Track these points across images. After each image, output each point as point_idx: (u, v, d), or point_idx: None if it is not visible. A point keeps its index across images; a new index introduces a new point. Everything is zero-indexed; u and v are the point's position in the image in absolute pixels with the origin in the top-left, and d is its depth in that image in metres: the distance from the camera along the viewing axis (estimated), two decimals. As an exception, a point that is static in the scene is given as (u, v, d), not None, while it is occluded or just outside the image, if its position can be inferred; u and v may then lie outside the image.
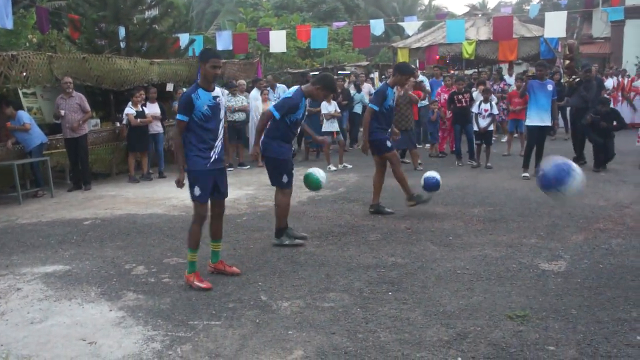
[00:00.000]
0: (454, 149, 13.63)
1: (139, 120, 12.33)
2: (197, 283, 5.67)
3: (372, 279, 5.77)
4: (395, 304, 5.10)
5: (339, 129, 13.49)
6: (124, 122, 12.63)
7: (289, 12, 34.95)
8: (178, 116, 5.60)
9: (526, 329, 4.53)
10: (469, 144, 12.86)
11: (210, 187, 5.75)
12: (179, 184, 5.77)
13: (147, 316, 5.03)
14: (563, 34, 20.16)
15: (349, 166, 12.86)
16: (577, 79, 12.49)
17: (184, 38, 19.23)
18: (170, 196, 10.43)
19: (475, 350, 4.21)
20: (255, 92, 14.49)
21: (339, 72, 24.91)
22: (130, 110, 12.35)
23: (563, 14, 19.77)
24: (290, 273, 6.02)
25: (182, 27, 19.17)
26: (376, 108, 8.11)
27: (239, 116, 13.77)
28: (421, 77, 15.56)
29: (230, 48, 20.96)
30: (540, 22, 21.26)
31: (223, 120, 5.90)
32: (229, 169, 13.45)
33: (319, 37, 20.91)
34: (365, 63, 28.54)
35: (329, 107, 12.90)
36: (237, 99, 13.88)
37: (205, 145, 5.65)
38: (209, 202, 5.84)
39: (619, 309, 4.88)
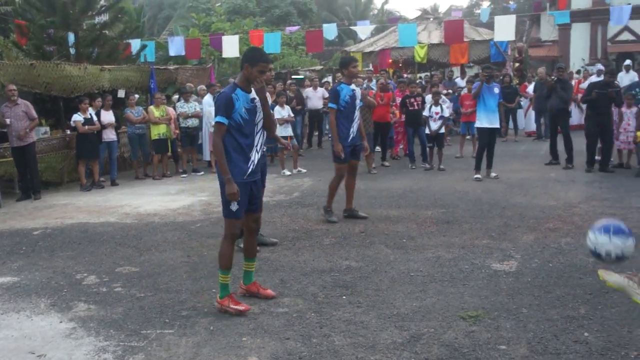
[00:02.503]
0: (407, 152, 13.74)
1: (87, 127, 12.13)
2: (234, 307, 5.09)
3: (327, 283, 5.77)
4: (349, 308, 5.11)
5: (292, 134, 13.49)
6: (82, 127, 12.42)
7: (242, 17, 34.72)
8: (217, 118, 5.02)
9: (478, 329, 4.59)
10: (421, 147, 12.98)
11: (246, 202, 5.21)
12: (235, 197, 4.99)
13: (98, 326, 4.95)
14: (512, 37, 20.51)
15: (304, 170, 12.86)
16: (555, 79, 12.63)
17: (135, 44, 18.98)
18: (123, 204, 10.29)
19: (429, 351, 4.24)
20: (208, 98, 14.37)
21: (293, 76, 24.91)
22: (78, 117, 12.14)
23: (512, 18, 20.10)
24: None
25: (133, 33, 18.90)
26: (334, 106, 8.12)
27: (192, 122, 13.67)
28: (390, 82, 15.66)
29: (183, 53, 20.78)
30: (490, 25, 21.59)
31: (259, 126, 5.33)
32: (183, 175, 13.35)
33: (272, 42, 20.85)
34: (319, 67, 28.58)
35: (282, 111, 12.89)
36: (190, 105, 13.77)
37: (243, 153, 5.13)
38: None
39: (568, 306, 4.98)
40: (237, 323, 4.88)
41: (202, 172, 13.68)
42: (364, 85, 13.58)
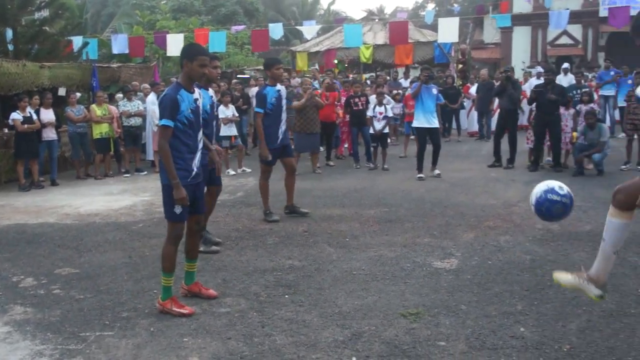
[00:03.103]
0: (351, 151, 13.83)
1: (26, 126, 11.84)
2: (177, 310, 5.03)
3: (269, 282, 5.77)
4: (291, 307, 5.12)
5: (237, 133, 13.42)
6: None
7: (187, 15, 34.40)
8: (163, 121, 4.92)
9: (419, 326, 4.65)
10: (366, 147, 13.07)
11: (190, 204, 5.12)
12: (184, 201, 4.96)
13: (35, 330, 4.84)
14: (456, 39, 20.85)
15: (248, 170, 12.82)
16: (506, 76, 12.83)
17: (77, 41, 18.65)
18: (63, 204, 10.09)
19: (370, 349, 4.28)
20: (152, 97, 14.19)
21: (238, 76, 24.80)
22: (16, 116, 11.84)
23: (455, 20, 20.45)
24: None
25: (75, 29, 18.55)
26: (261, 110, 8.12)
27: (135, 121, 13.49)
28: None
29: (127, 51, 20.49)
30: (435, 27, 21.91)
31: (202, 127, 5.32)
32: (125, 175, 13.16)
33: (217, 41, 20.71)
34: (264, 67, 28.54)
35: (226, 111, 12.81)
36: (133, 104, 13.59)
37: (188, 156, 5.08)
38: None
39: (506, 302, 5.09)
40: (178, 324, 4.84)
41: (146, 172, 13.50)
42: (313, 85, 13.60)
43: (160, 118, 5.01)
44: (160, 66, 21.78)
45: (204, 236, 6.87)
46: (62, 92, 14.41)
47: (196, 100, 5.14)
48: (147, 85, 14.77)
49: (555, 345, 4.26)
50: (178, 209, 5.01)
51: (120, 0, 43.59)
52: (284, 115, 8.36)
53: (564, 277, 4.07)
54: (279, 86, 8.32)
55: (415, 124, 11.53)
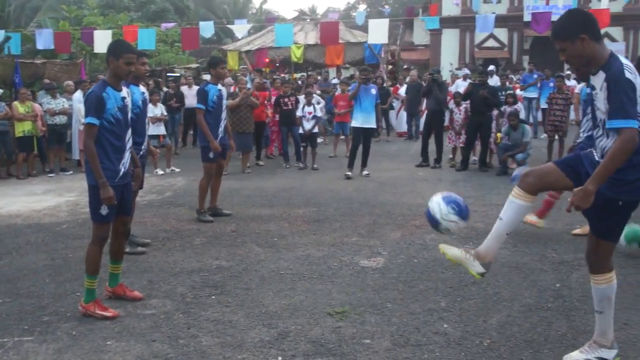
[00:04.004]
0: (281, 151, 13.84)
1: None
2: (100, 312, 4.92)
3: (196, 283, 5.72)
4: (218, 308, 5.09)
5: (165, 132, 13.24)
6: None
7: (116, 11, 33.73)
8: (88, 119, 4.83)
9: (344, 324, 4.69)
10: (295, 147, 13.10)
11: (117, 205, 5.00)
12: (111, 200, 4.85)
13: (-51, 335, 4.66)
14: (385, 40, 21.10)
15: (177, 170, 12.66)
16: (432, 78, 13.03)
17: (-2, 35, 18.04)
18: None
19: (296, 348, 4.30)
20: (78, 95, 13.86)
21: (168, 74, 24.47)
22: None
23: (385, 22, 20.66)
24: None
25: (-4, 23, 17.98)
26: (202, 107, 8.09)
27: (60, 119, 13.14)
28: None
29: (52, 47, 19.87)
30: (365, 28, 22.12)
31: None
32: (50, 175, 12.81)
33: (146, 38, 20.36)
34: (195, 65, 28.21)
35: (155, 110, 12.62)
36: (58, 102, 13.24)
37: (115, 156, 4.98)
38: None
39: (430, 299, 5.19)
40: (101, 327, 4.74)
41: (71, 172, 13.16)
42: (248, 86, 13.52)
43: (86, 116, 4.92)
44: (87, 63, 21.28)
45: (129, 238, 6.76)
46: (-19, 88, 13.92)
47: (124, 98, 5.07)
48: (70, 83, 14.41)
49: (477, 340, 4.38)
50: (104, 210, 4.92)
51: (45, -6, 42.40)
52: (224, 115, 8.40)
53: (450, 250, 4.13)
54: (220, 85, 8.32)
55: (353, 123, 11.66)
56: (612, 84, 3.53)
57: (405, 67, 23.77)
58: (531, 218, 7.03)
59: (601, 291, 3.86)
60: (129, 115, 5.19)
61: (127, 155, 5.13)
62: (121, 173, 5.05)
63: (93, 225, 5.08)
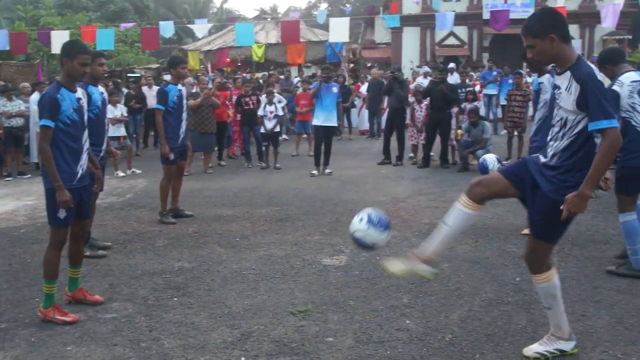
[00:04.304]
0: (243, 151, 13.80)
1: None
2: (60, 318, 4.83)
3: (158, 285, 5.67)
4: (180, 310, 5.05)
5: (125, 134, 13.09)
6: None
7: (74, 11, 33.25)
8: (42, 122, 4.74)
9: (307, 323, 4.69)
10: (257, 146, 13.06)
11: (75, 208, 4.92)
12: (68, 204, 4.76)
13: None
14: (347, 39, 21.18)
15: (138, 171, 12.53)
16: (394, 76, 13.08)
17: (-51, 35, 17.68)
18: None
19: (259, 348, 4.29)
20: (36, 96, 13.62)
21: (129, 74, 24.23)
22: None
23: (346, 20, 20.75)
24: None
25: (-52, 23, 17.60)
26: (162, 107, 8.02)
27: (17, 122, 12.89)
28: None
29: (7, 48, 19.55)
30: (327, 27, 22.17)
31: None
32: (7, 178, 12.56)
33: (105, 38, 20.14)
34: (155, 65, 27.96)
35: (114, 111, 12.47)
36: (14, 104, 12.98)
37: (72, 158, 4.90)
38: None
39: (392, 296, 5.22)
40: (61, 332, 4.66)
41: (29, 175, 12.89)
42: (209, 86, 13.42)
43: (40, 118, 4.82)
44: (44, 64, 20.95)
45: (89, 241, 6.68)
46: None
47: (79, 99, 4.99)
48: (27, 85, 14.16)
49: (439, 336, 4.42)
50: (62, 214, 4.84)
51: (0, -6, 41.61)
52: (184, 115, 8.34)
53: (394, 266, 4.11)
54: (180, 86, 8.26)
55: (314, 122, 11.71)
56: (589, 85, 3.58)
57: (369, 65, 23.86)
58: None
59: (544, 289, 3.96)
60: (86, 116, 5.12)
61: (84, 157, 5.05)
62: (79, 175, 4.97)
63: (50, 229, 4.99)
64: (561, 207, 3.62)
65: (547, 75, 6.96)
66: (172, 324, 4.77)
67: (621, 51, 6.44)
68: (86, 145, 5.10)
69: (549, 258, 3.97)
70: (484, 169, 7.97)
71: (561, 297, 3.99)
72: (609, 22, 18.15)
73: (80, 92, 5.07)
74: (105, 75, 7.43)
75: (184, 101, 8.32)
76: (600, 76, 3.69)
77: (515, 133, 12.49)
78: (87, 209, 5.25)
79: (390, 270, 4.13)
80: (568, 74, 3.69)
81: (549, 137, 3.90)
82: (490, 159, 8.24)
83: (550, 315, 4.02)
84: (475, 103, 13.18)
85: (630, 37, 32.69)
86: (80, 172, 4.98)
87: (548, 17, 3.74)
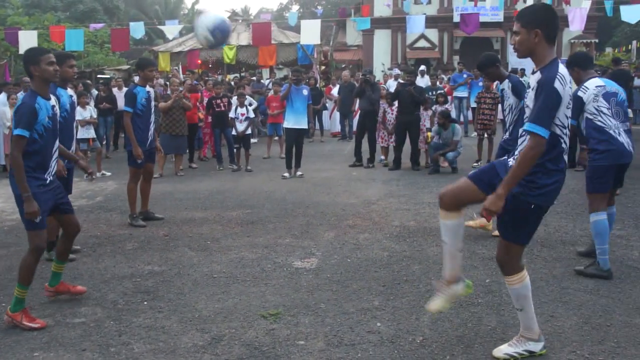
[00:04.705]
0: (214, 153, 13.75)
1: None
2: (27, 323, 4.77)
3: (127, 289, 5.61)
4: (150, 314, 5.01)
5: (95, 136, 12.96)
6: None
7: (42, 11, 32.91)
8: (18, 131, 4.69)
9: (278, 326, 4.68)
10: (229, 148, 13.02)
11: (49, 209, 4.95)
12: (35, 215, 4.73)
13: None
14: (318, 41, 21.24)
15: (108, 174, 12.40)
16: (365, 79, 13.12)
17: None
18: None
19: (229, 352, 4.26)
20: (2, 97, 13.45)
21: (99, 75, 24.03)
22: None
23: (317, 22, 20.81)
24: (40, 290, 5.60)
25: None
26: (130, 109, 7.96)
27: (-17, 123, 12.71)
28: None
29: (-27, 48, 19.32)
30: (298, 29, 22.21)
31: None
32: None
33: (74, 39, 19.98)
34: (126, 67, 27.75)
35: (84, 112, 12.33)
36: (-20, 105, 12.80)
37: (43, 162, 4.90)
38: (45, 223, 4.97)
39: (363, 299, 5.23)
40: (28, 338, 4.59)
41: (-4, 177, 12.74)
42: (180, 89, 13.32)
43: (16, 127, 4.75)
44: (12, 65, 20.67)
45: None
46: None
47: (53, 107, 4.99)
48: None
49: (410, 338, 4.43)
50: (37, 218, 4.79)
51: (-34, -7, 40.96)
52: (153, 117, 8.30)
53: (434, 304, 4.24)
54: (148, 87, 8.21)
55: (285, 124, 11.71)
56: (539, 88, 3.71)
57: (343, 66, 23.88)
58: (481, 221, 7.18)
59: (516, 291, 4.00)
60: (61, 115, 5.13)
61: (54, 164, 5.04)
62: (48, 181, 4.94)
63: (28, 235, 4.91)
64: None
65: (506, 82, 7.12)
66: (142, 328, 4.73)
67: (591, 58, 6.64)
68: (56, 152, 5.10)
69: (520, 259, 4.01)
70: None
71: (531, 298, 4.04)
72: (576, 25, 18.41)
73: (53, 99, 5.06)
74: (75, 76, 7.32)
75: (152, 103, 8.26)
76: (569, 82, 3.75)
77: (485, 135, 12.60)
78: (66, 206, 5.21)
79: (436, 309, 4.25)
80: (538, 74, 3.78)
81: (519, 136, 3.97)
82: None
83: (521, 316, 4.06)
84: (447, 105, 13.27)
85: (596, 40, 33.22)
86: (49, 178, 4.96)
87: (541, 12, 3.82)
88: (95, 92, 16.47)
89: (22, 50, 19.42)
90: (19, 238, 7.52)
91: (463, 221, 4.10)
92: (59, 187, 5.15)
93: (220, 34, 6.02)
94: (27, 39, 19.43)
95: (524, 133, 3.84)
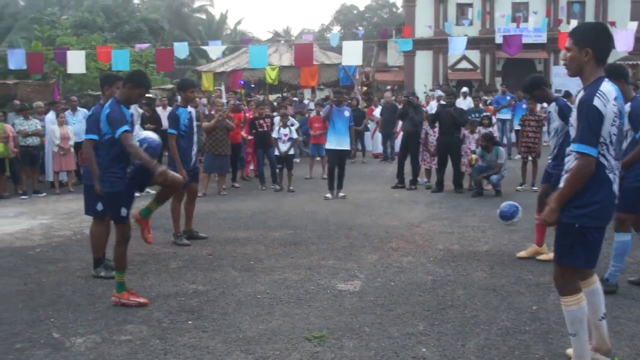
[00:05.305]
0: (257, 173, 13.83)
1: None
2: (134, 299, 5.67)
3: (172, 308, 5.66)
4: (195, 333, 5.04)
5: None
6: None
7: (89, 31, 33.58)
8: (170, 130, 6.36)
9: (323, 349, 4.66)
10: (271, 168, 13.10)
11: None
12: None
13: None
14: (360, 62, 21.28)
15: (152, 192, 12.50)
16: (407, 101, 13.14)
17: (-31, 54, 17.89)
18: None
19: (274, 374, 4.26)
20: (51, 115, 13.78)
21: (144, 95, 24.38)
22: None
23: (359, 43, 20.85)
24: (87, 307, 5.74)
25: (-33, 43, 17.76)
26: (175, 131, 8.06)
27: (33, 141, 13.00)
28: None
29: (24, 67, 19.75)
30: (340, 50, 22.29)
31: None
32: (22, 196, 12.64)
33: (120, 59, 20.32)
34: (170, 86, 28.14)
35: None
36: (31, 123, 13.10)
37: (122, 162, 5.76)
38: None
39: (408, 323, 5.18)
40: (76, 354, 4.66)
41: (44, 194, 12.99)
42: (224, 108, 13.47)
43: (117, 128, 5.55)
44: (60, 84, 21.11)
45: (104, 262, 6.73)
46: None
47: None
48: (40, 104, 14.29)
49: (453, 365, 4.38)
50: (124, 212, 5.69)
51: (17, 14, 42.11)
52: (195, 137, 8.40)
53: None
54: (190, 108, 8.32)
55: (327, 145, 11.74)
56: (580, 106, 3.72)
57: (388, 87, 23.87)
58: (532, 249, 7.12)
59: (572, 313, 3.91)
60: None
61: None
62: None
63: (117, 228, 5.81)
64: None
65: (553, 104, 7.04)
66: (186, 347, 4.75)
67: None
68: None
69: (577, 282, 3.94)
70: (507, 216, 7.66)
71: (586, 323, 3.95)
72: (622, 46, 18.12)
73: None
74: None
75: (194, 123, 8.37)
76: (613, 99, 3.71)
77: (530, 158, 12.45)
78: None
79: None
80: (581, 92, 3.80)
81: (565, 156, 3.98)
82: (516, 211, 7.45)
83: (573, 342, 3.96)
84: (491, 128, 13.17)
85: (642, 62, 32.68)
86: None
87: (594, 32, 3.80)
88: (140, 111, 16.74)
89: (70, 70, 19.93)
90: (67, 254, 7.68)
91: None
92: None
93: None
94: (75, 59, 19.86)
95: (570, 153, 3.81)
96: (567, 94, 20.62)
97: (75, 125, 13.45)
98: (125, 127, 5.55)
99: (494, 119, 15.60)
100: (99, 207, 6.51)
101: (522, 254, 7.20)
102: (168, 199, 6.27)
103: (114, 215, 5.80)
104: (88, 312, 5.59)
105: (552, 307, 5.45)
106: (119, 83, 6.44)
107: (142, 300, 5.70)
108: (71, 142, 13.28)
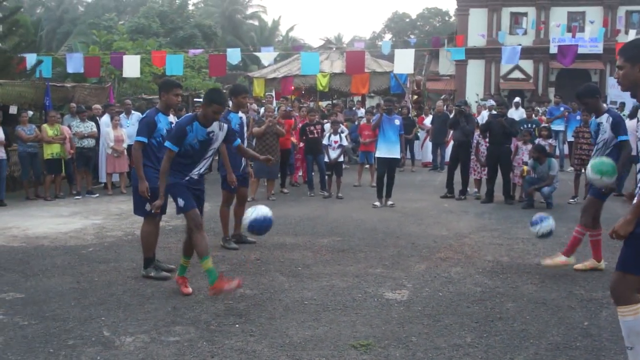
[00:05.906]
0: (306, 179, 13.88)
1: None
2: (229, 287, 5.75)
3: (220, 311, 5.71)
4: (242, 336, 5.08)
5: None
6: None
7: (145, 37, 34.26)
8: (167, 144, 6.09)
9: (369, 357, 4.65)
10: (320, 175, 13.13)
11: (191, 196, 6.12)
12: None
13: (-25, 357, 4.69)
14: (411, 71, 21.21)
15: (202, 195, 12.70)
16: (459, 110, 13.06)
17: (30, 58, 18.39)
18: (10, 226, 9.83)
19: (320, 380, 4.26)
20: (106, 118, 14.09)
21: (195, 99, 24.72)
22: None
23: (411, 52, 20.81)
24: (136, 306, 5.84)
25: (29, 47, 18.26)
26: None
27: (88, 142, 13.30)
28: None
29: (82, 71, 20.28)
30: (391, 58, 22.24)
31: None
32: (76, 197, 12.93)
33: (174, 64, 20.65)
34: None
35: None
36: (86, 125, 13.41)
37: (185, 169, 6.16)
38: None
39: (455, 334, 5.13)
40: (125, 352, 4.74)
41: (97, 195, 13.27)
42: (275, 114, 13.56)
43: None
44: (115, 87, 21.57)
45: (154, 262, 6.84)
46: (13, 110, 14.10)
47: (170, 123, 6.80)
48: (98, 106, 14.63)
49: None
50: (181, 202, 6.02)
51: (76, 19, 43.29)
52: (245, 143, 8.48)
53: None
54: (241, 113, 8.39)
55: (377, 153, 11.72)
56: None
57: (443, 97, 23.67)
58: (560, 259, 6.99)
59: (629, 324, 3.80)
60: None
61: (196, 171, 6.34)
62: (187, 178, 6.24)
63: (186, 217, 6.14)
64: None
65: (605, 115, 6.89)
66: (233, 350, 4.79)
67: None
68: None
69: (633, 291, 3.83)
70: (533, 223, 7.47)
71: None
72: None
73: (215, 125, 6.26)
74: (179, 105, 7.64)
75: (245, 129, 8.43)
76: None
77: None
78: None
79: None
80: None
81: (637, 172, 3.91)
82: (544, 219, 7.37)
83: (631, 356, 3.86)
84: (550, 140, 12.99)
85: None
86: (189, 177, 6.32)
87: None
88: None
89: (125, 74, 20.35)
90: (118, 254, 7.82)
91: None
92: (201, 193, 6.50)
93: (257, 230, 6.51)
94: (131, 63, 20.26)
95: None
96: (623, 105, 20.24)
97: (129, 128, 13.70)
98: (138, 138, 6.62)
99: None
100: (147, 207, 6.60)
101: (579, 266, 7.08)
102: (193, 251, 6.23)
103: (176, 207, 6.15)
104: (137, 311, 5.69)
105: (605, 324, 5.33)
106: (176, 89, 6.87)
107: (235, 284, 5.77)
108: (125, 145, 13.54)
